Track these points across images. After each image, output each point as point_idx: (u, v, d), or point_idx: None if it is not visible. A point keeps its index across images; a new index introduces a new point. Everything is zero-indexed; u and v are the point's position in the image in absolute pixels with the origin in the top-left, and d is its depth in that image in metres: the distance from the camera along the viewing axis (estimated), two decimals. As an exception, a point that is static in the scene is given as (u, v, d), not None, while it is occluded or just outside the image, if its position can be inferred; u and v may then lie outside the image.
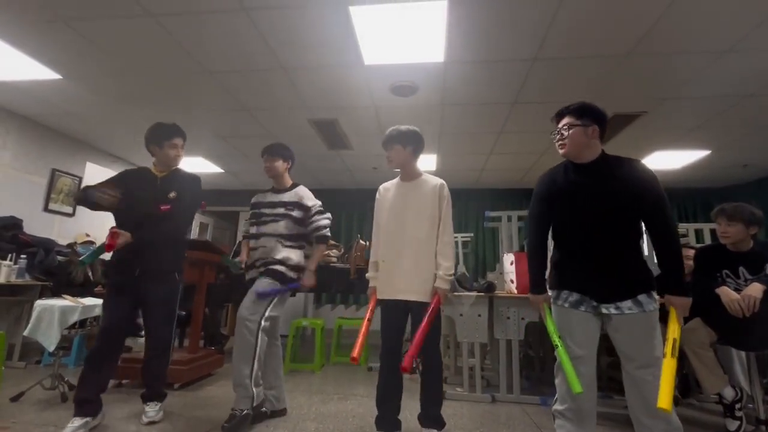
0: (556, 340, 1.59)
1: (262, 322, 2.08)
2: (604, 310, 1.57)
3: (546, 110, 3.57)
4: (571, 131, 1.60)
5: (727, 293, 2.16)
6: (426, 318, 1.76)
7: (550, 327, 1.64)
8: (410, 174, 2.04)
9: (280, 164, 2.34)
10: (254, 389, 2.05)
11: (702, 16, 2.34)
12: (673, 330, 1.44)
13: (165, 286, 2.17)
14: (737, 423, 2.19)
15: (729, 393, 2.21)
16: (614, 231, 1.57)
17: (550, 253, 1.80)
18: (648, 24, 2.43)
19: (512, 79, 3.11)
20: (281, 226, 2.25)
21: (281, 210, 2.27)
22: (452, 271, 1.87)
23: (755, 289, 2.08)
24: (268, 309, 2.12)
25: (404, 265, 1.89)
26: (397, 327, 1.91)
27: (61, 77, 3.25)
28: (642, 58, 2.77)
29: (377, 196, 2.10)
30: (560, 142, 1.64)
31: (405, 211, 1.95)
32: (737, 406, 2.21)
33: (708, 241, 3.63)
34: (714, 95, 3.26)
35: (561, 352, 1.55)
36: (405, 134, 1.98)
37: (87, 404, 1.99)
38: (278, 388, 2.28)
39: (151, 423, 2.13)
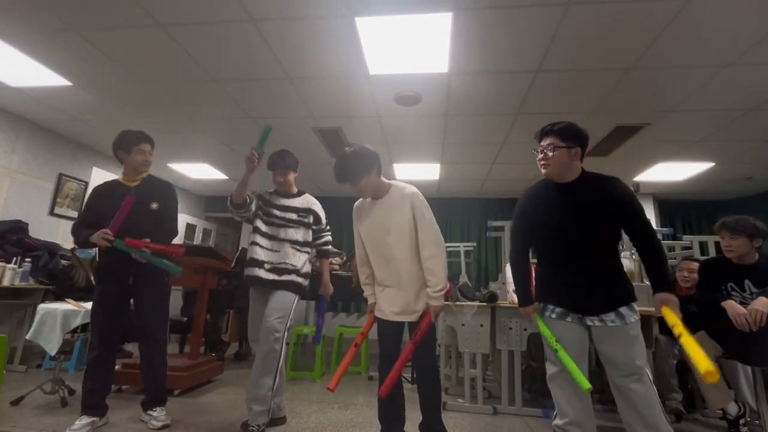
0: (554, 344, 1.60)
1: (286, 334, 2.11)
2: (588, 322, 1.61)
3: (550, 120, 3.57)
4: (555, 153, 1.63)
5: (733, 307, 2.14)
6: (411, 340, 1.68)
7: (546, 332, 1.66)
8: (381, 192, 1.81)
9: (293, 176, 2.37)
10: (273, 401, 2.06)
11: (705, 30, 2.36)
12: (672, 318, 1.44)
13: (158, 289, 2.23)
14: (743, 439, 2.16)
15: (733, 409, 2.18)
16: (594, 248, 1.61)
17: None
18: (651, 37, 2.45)
19: (516, 90, 3.13)
20: (296, 233, 2.27)
21: (293, 216, 2.29)
22: (441, 286, 1.70)
23: (762, 303, 2.06)
24: (289, 320, 2.15)
25: (392, 289, 1.79)
26: (394, 338, 1.84)
27: (70, 84, 3.31)
28: (645, 71, 2.78)
29: (353, 217, 1.93)
30: (543, 162, 1.67)
31: (382, 233, 1.77)
32: (741, 421, 2.18)
33: (712, 253, 3.61)
34: (718, 108, 3.26)
35: (562, 354, 1.56)
36: (365, 162, 1.74)
37: (95, 407, 2.10)
38: (280, 395, 2.26)
39: (165, 426, 2.13)
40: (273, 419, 2.22)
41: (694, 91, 3.02)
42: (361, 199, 1.90)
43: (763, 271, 2.23)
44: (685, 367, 2.57)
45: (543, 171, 1.68)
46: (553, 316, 1.67)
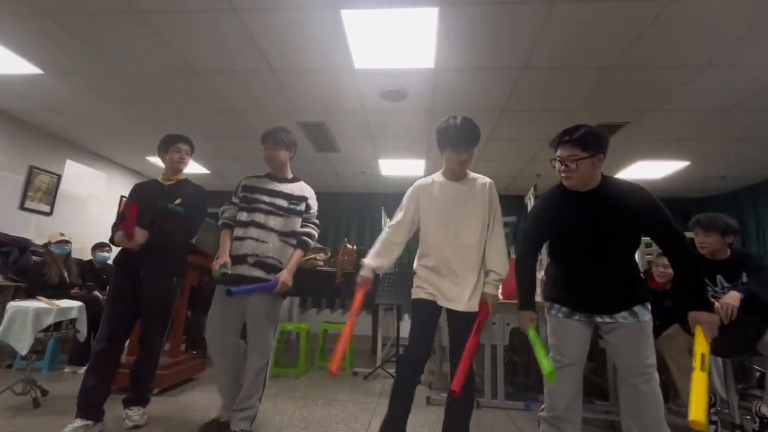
0: (536, 340, 1.55)
1: (273, 344, 2.04)
2: (598, 319, 1.60)
3: (533, 118, 3.64)
4: (578, 164, 1.53)
5: (705, 301, 2.21)
6: (475, 329, 1.63)
7: (533, 338, 1.60)
8: (463, 174, 1.83)
9: (284, 154, 2.15)
10: (259, 405, 2.01)
11: (683, 31, 2.42)
12: (702, 345, 1.38)
13: (163, 289, 2.17)
14: (713, 427, 2.25)
15: (704, 398, 2.26)
16: (613, 254, 1.59)
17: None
18: (632, 37, 2.49)
19: (501, 87, 3.15)
20: (285, 223, 2.07)
21: (283, 202, 2.09)
22: (501, 277, 1.72)
23: (733, 298, 2.14)
24: (275, 327, 2.05)
25: (457, 273, 1.71)
26: (430, 333, 1.72)
27: (42, 72, 3.16)
28: (627, 70, 2.84)
29: (414, 191, 1.85)
30: (565, 174, 1.58)
31: (457, 215, 1.76)
32: (712, 410, 2.26)
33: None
34: (694, 109, 3.36)
35: (539, 348, 1.50)
36: (479, 134, 1.78)
37: (91, 408, 2.00)
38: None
39: (137, 427, 2.09)
40: None
41: (673, 91, 3.09)
42: (425, 180, 1.87)
43: (734, 267, 2.32)
44: (658, 355, 2.65)
45: (565, 183, 1.61)
46: (560, 315, 1.65)
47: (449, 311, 1.72)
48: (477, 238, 1.74)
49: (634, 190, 1.58)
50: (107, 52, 2.87)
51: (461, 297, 1.69)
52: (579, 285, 1.64)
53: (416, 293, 1.77)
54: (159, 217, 2.14)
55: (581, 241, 1.61)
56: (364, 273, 1.76)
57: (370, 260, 1.78)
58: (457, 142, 1.73)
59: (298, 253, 2.10)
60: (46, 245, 3.65)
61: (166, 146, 2.33)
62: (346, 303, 6.15)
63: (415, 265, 1.86)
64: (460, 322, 1.69)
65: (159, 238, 2.13)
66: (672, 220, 1.55)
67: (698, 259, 1.54)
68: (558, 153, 1.59)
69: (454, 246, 1.73)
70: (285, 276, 2.00)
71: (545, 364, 1.44)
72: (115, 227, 2.16)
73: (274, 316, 2.04)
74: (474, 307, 1.69)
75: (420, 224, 1.83)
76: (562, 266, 1.73)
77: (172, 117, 3.91)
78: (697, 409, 1.16)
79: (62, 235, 3.60)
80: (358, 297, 1.77)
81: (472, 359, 1.58)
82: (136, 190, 2.33)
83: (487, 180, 1.83)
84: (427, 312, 1.73)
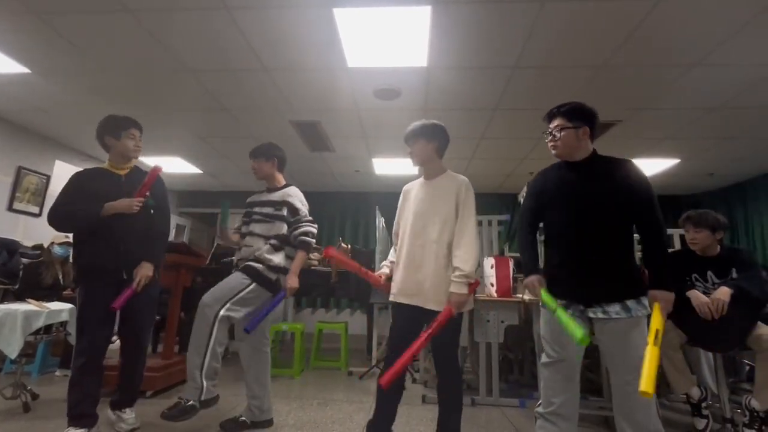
0: (554, 306, 1.55)
1: (221, 312, 1.94)
2: (591, 314, 1.58)
3: (526, 117, 3.65)
4: (562, 133, 1.65)
5: (696, 296, 2.24)
6: (429, 328, 1.60)
7: (548, 300, 1.59)
8: (434, 172, 1.88)
9: (264, 164, 2.27)
10: (204, 381, 1.94)
11: (673, 30, 2.45)
12: (657, 321, 1.43)
13: (149, 288, 2.07)
14: (704, 421, 2.28)
15: (695, 393, 2.30)
16: (604, 231, 1.58)
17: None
18: (623, 36, 2.51)
19: (493, 86, 3.16)
20: (270, 228, 2.17)
21: (270, 210, 2.20)
22: (464, 273, 1.64)
23: (723, 293, 2.17)
24: (231, 300, 1.98)
25: (426, 270, 1.73)
26: (407, 335, 1.71)
27: (29, 72, 3.11)
28: (617, 69, 2.86)
29: (401, 197, 1.97)
30: (552, 144, 1.69)
31: (426, 212, 1.80)
32: (703, 405, 2.29)
33: (677, 246, 3.77)
34: (684, 107, 3.40)
35: (560, 313, 1.51)
36: (430, 128, 1.83)
37: (82, 417, 1.94)
38: (262, 398, 2.16)
39: (133, 430, 2.06)
40: (255, 422, 2.16)
41: (663, 89, 3.13)
42: (410, 183, 1.98)
43: (724, 262, 2.35)
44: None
45: (553, 152, 1.71)
46: None
47: (424, 309, 1.73)
48: (436, 235, 1.74)
49: (624, 163, 1.63)
50: (97, 51, 2.83)
51: (420, 293, 1.72)
52: (569, 270, 1.63)
53: (395, 295, 1.83)
54: (127, 213, 1.98)
55: (568, 209, 1.63)
56: (382, 271, 1.92)
57: (386, 265, 1.96)
58: (406, 138, 1.88)
59: (300, 254, 2.20)
60: (40, 246, 3.58)
61: (115, 131, 2.06)
62: (341, 303, 6.14)
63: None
64: (428, 320, 1.69)
65: (135, 235, 2.00)
66: (655, 203, 1.56)
67: (666, 244, 1.58)
68: (548, 125, 1.70)
69: (418, 243, 1.77)
70: (290, 280, 2.14)
71: (572, 327, 1.42)
72: (65, 212, 1.96)
73: (227, 284, 2.05)
74: (437, 305, 1.68)
75: (395, 222, 1.96)
76: (553, 253, 1.72)
77: (162, 116, 3.87)
78: (646, 382, 1.26)
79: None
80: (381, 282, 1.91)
81: (410, 359, 1.56)
82: (84, 181, 2.02)
83: (461, 178, 1.82)
84: (403, 314, 1.78)
